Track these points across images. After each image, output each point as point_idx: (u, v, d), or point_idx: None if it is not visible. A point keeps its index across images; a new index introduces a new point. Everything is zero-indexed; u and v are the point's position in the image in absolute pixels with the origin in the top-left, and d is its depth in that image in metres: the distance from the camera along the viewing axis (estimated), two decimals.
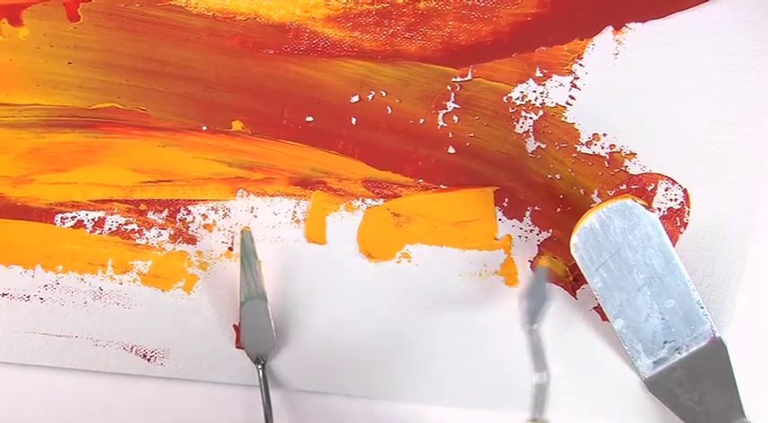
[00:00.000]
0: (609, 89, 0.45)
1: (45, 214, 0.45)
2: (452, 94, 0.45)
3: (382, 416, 0.47)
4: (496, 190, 0.46)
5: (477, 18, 0.44)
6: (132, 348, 0.46)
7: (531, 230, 0.46)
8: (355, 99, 0.45)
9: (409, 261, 0.46)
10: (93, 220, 0.45)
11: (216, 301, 0.46)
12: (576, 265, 0.45)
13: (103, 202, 0.45)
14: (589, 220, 0.44)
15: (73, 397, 0.46)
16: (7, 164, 0.44)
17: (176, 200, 0.45)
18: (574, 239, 0.44)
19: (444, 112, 0.45)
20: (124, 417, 0.47)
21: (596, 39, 0.44)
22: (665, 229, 0.44)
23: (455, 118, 0.45)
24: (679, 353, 0.46)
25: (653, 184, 0.46)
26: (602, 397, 0.47)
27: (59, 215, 0.45)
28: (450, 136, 0.45)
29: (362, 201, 0.46)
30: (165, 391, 0.47)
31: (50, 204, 0.45)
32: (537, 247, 0.47)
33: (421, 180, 0.46)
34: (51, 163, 0.45)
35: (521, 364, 0.46)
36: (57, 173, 0.45)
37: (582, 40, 0.44)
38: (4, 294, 0.45)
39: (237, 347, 0.46)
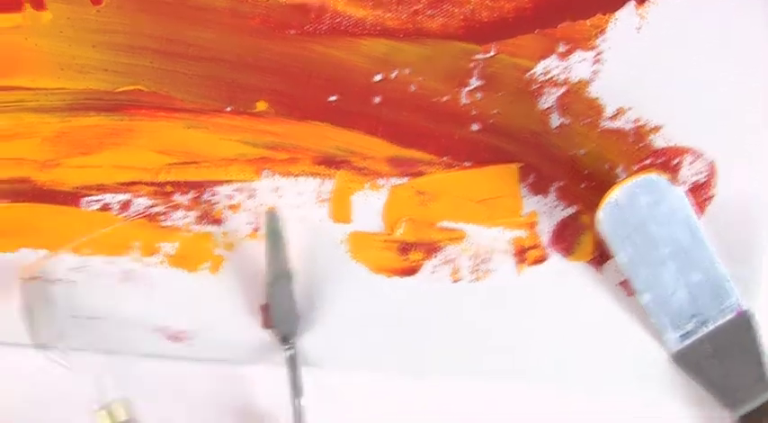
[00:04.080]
0: (633, 63, 0.47)
1: (71, 198, 0.47)
2: (475, 71, 0.47)
3: (411, 390, 0.50)
4: (521, 166, 0.48)
5: None
6: (160, 330, 0.48)
7: (557, 206, 0.48)
8: (378, 78, 0.47)
9: None
10: (119, 202, 0.47)
11: (242, 282, 0.48)
12: (601, 240, 0.47)
13: (129, 184, 0.47)
14: (614, 195, 0.46)
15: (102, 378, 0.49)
16: (33, 148, 0.47)
17: (202, 181, 0.47)
18: (599, 214, 0.46)
19: (467, 89, 0.47)
20: (153, 398, 0.49)
21: (619, 13, 0.46)
22: (691, 203, 0.46)
23: (478, 95, 0.47)
24: (706, 326, 0.48)
25: (678, 158, 0.47)
26: (629, 372, 0.49)
27: (86, 198, 0.47)
28: (474, 113, 0.47)
29: (387, 179, 0.48)
30: (193, 371, 0.49)
31: (77, 188, 0.47)
32: (562, 223, 0.49)
33: (445, 158, 0.48)
34: (77, 146, 0.47)
35: (547, 337, 0.48)
36: (82, 156, 0.47)
37: (605, 14, 0.46)
38: (33, 278, 0.48)
39: (264, 327, 0.48)
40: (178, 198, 0.48)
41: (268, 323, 0.48)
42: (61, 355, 0.47)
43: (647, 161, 0.48)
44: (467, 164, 0.48)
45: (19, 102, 0.46)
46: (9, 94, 0.46)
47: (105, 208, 0.47)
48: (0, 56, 0.46)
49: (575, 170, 0.48)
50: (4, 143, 0.47)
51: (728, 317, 0.48)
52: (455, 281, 0.49)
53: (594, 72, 0.47)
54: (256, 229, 0.48)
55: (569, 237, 0.49)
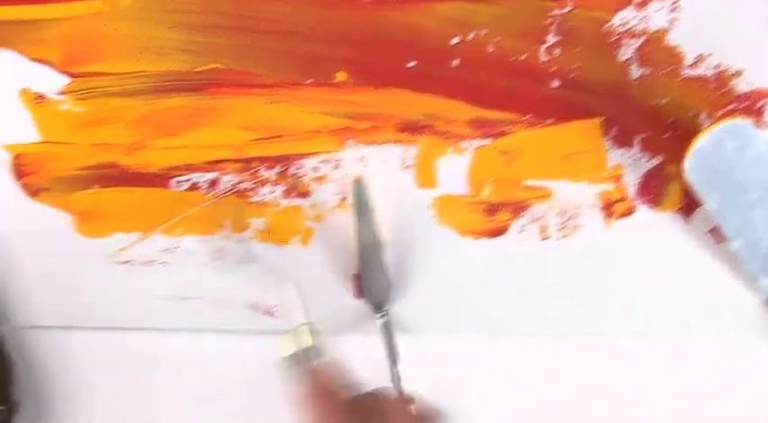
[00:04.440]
0: (710, 9, 0.47)
1: (160, 179, 0.48)
2: (553, 28, 0.47)
3: (505, 351, 0.50)
4: (603, 120, 0.48)
5: None
6: (255, 305, 0.49)
7: (641, 158, 0.48)
8: (455, 40, 0.47)
9: None
10: (207, 181, 0.48)
11: (333, 253, 0.49)
12: (688, 189, 0.47)
13: (216, 162, 0.48)
14: (700, 143, 0.46)
15: (201, 357, 0.50)
16: (119, 132, 0.47)
17: (287, 155, 0.48)
18: (686, 163, 0.46)
19: (546, 45, 0.47)
20: (252, 371, 0.50)
21: None
22: None
23: (557, 51, 0.47)
24: None
25: (762, 101, 0.47)
26: (721, 319, 0.50)
27: (174, 179, 0.48)
28: (554, 69, 0.47)
29: (470, 141, 0.48)
30: None
31: (164, 169, 0.48)
32: (647, 174, 0.49)
33: (527, 116, 0.48)
34: (162, 128, 0.48)
35: (638, 288, 0.48)
36: (168, 137, 0.48)
37: None
38: (126, 262, 0.49)
39: (357, 297, 0.49)
40: (264, 173, 0.48)
41: (361, 292, 0.49)
42: None
43: (731, 106, 0.48)
44: (549, 121, 0.48)
45: (103, 87, 0.47)
46: (92, 80, 0.47)
47: (194, 187, 0.48)
48: (81, 42, 0.46)
49: (658, 120, 0.48)
50: (89, 129, 0.47)
51: None
52: (543, 239, 0.49)
53: (672, 20, 0.47)
54: (344, 200, 0.49)
55: (656, 188, 0.49)
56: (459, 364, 0.51)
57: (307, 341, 0.43)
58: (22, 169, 0.48)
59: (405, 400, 0.37)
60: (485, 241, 0.49)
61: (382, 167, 0.48)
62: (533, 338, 0.51)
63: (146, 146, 0.48)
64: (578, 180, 0.49)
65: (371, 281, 0.48)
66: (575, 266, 0.49)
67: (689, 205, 0.49)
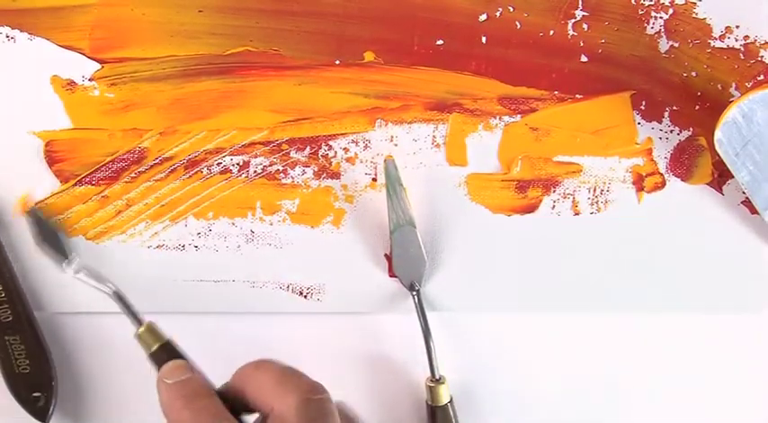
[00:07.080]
0: None
1: (191, 163, 0.49)
2: (580, 2, 0.48)
3: (538, 327, 0.51)
4: (633, 94, 0.49)
5: None
6: (288, 287, 0.50)
7: (672, 131, 0.49)
8: (483, 17, 0.48)
9: None
10: (237, 164, 0.49)
11: (365, 233, 0.49)
12: (719, 161, 0.48)
13: (246, 145, 0.49)
14: (731, 114, 0.46)
15: (236, 340, 0.50)
16: (150, 117, 0.48)
17: (317, 136, 0.49)
18: (717, 135, 0.47)
19: (573, 20, 0.48)
20: (287, 354, 0.50)
21: None
22: None
23: (585, 26, 0.48)
24: None
25: None
26: (758, 292, 0.50)
27: (205, 162, 0.49)
28: (582, 44, 0.48)
29: (500, 118, 0.49)
30: (324, 324, 0.50)
31: (195, 153, 0.48)
32: (678, 147, 0.49)
33: (556, 92, 0.49)
34: (192, 112, 0.48)
35: (671, 262, 0.49)
36: (199, 121, 0.48)
37: None
38: (159, 246, 0.49)
39: (391, 276, 0.50)
40: (295, 155, 0.49)
41: (394, 271, 0.50)
42: None
43: (761, 77, 0.48)
44: (578, 96, 0.49)
45: (132, 72, 0.48)
46: (122, 65, 0.48)
47: (225, 171, 0.49)
48: (110, 28, 0.47)
49: (687, 93, 0.49)
50: (120, 114, 0.48)
51: None
52: (575, 214, 0.50)
53: None
54: (375, 179, 0.49)
55: (687, 160, 0.49)
56: (492, 341, 0.52)
57: (158, 339, 0.43)
58: (53, 156, 0.48)
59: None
60: (517, 218, 0.50)
61: (413, 146, 0.49)
62: (567, 314, 0.51)
63: (177, 130, 0.48)
64: (609, 155, 0.49)
65: (404, 260, 0.49)
66: (606, 241, 0.50)
67: (720, 176, 0.49)
